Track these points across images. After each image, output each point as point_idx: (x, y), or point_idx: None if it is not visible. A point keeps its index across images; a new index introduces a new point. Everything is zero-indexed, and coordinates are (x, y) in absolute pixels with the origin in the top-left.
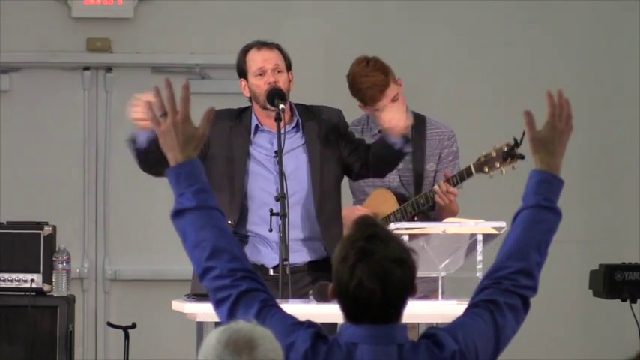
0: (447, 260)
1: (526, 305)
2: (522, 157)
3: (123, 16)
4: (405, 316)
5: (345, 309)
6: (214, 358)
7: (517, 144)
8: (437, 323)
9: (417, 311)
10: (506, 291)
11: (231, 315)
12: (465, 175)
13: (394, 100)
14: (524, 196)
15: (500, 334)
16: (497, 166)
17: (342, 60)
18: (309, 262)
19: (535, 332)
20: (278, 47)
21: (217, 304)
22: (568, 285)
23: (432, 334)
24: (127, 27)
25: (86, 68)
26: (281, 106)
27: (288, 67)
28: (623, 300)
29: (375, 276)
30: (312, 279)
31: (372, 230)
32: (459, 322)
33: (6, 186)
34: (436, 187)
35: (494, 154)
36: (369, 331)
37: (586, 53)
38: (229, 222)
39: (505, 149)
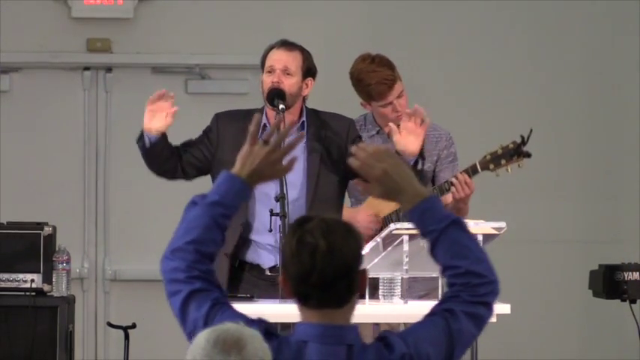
0: None
1: (489, 310)
2: (529, 155)
3: (123, 16)
4: (406, 317)
5: (293, 285)
6: (203, 358)
7: (524, 142)
8: None
9: (417, 311)
10: (464, 302)
11: (183, 309)
12: (470, 172)
13: (400, 96)
14: (422, 234)
15: (455, 339)
16: (503, 163)
17: (342, 61)
18: None
19: (535, 332)
20: (302, 51)
21: (170, 295)
22: (568, 285)
23: (383, 337)
24: (127, 27)
25: (86, 68)
26: (281, 106)
27: (307, 74)
28: (623, 300)
29: (319, 231)
30: None
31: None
32: (412, 328)
33: (6, 186)
34: (453, 179)
35: (500, 152)
36: (319, 330)
37: (586, 53)
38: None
39: (511, 147)
